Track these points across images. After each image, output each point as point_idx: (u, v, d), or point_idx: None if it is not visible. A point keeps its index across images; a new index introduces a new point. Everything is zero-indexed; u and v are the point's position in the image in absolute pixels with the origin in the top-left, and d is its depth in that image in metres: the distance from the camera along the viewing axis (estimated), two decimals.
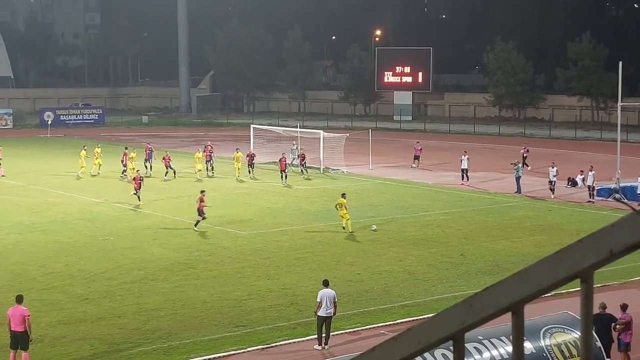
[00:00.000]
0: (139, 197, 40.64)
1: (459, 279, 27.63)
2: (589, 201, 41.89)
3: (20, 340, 19.42)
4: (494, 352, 15.31)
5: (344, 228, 34.60)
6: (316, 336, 21.15)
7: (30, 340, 19.55)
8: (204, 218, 34.75)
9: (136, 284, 26.69)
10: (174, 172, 49.65)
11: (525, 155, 54.46)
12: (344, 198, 34.90)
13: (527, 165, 52.72)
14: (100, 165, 51.02)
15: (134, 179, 41.60)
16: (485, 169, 53.73)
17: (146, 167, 51.07)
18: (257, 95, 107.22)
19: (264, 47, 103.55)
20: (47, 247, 32.07)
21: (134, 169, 48.04)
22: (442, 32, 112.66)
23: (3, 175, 50.38)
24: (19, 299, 19.88)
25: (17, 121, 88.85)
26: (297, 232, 34.77)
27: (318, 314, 21.00)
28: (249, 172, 50.41)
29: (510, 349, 15.38)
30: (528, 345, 15.60)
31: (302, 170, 51.25)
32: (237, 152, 50.81)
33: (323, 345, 20.97)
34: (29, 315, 19.57)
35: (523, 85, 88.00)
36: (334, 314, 21.15)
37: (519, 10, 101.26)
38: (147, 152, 52.52)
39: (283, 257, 30.41)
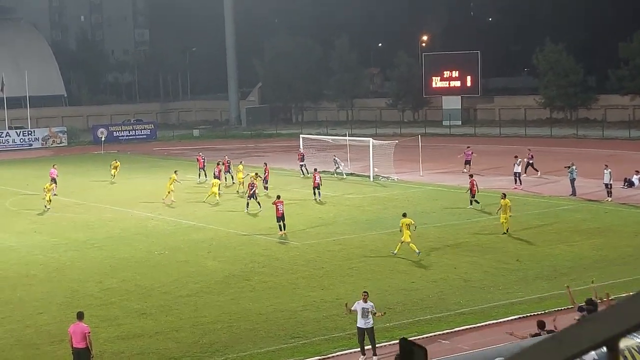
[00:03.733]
0: (259, 203, 41.88)
1: (516, 285, 27.29)
2: None
3: (82, 357, 19.60)
4: None
5: (394, 253, 31.73)
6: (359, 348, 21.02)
7: (92, 357, 19.70)
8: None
9: (192, 298, 26.84)
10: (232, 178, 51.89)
11: (530, 161, 52.87)
12: (406, 217, 32.16)
13: (537, 170, 51.81)
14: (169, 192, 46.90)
15: (249, 185, 42.83)
16: (539, 172, 53.06)
17: (223, 178, 52.71)
18: (305, 105, 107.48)
19: (312, 56, 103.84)
20: (103, 263, 32.44)
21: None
22: (490, 35, 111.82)
23: (56, 194, 51.10)
24: (80, 316, 20.07)
25: (71, 139, 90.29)
26: (350, 242, 34.68)
27: (357, 325, 20.90)
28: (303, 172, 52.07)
29: None
30: None
31: (314, 193, 46.22)
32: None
33: (366, 356, 20.75)
34: (89, 332, 19.72)
35: (574, 86, 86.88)
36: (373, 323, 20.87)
37: (567, 11, 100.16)
38: (201, 161, 55.49)
39: (336, 267, 30.35)
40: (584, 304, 19.79)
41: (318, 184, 45.44)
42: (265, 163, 52.69)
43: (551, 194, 45.39)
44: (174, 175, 47.26)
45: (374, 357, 20.83)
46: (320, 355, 21.22)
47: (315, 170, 47.49)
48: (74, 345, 19.72)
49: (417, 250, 31.28)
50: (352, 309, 20.98)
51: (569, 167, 45.72)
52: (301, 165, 56.41)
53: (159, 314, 25.37)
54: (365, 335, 20.82)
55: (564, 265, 29.73)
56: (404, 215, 32.61)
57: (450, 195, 46.16)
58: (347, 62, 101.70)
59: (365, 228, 37.59)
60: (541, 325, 18.53)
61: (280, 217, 36.14)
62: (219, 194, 46.16)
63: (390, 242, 34.25)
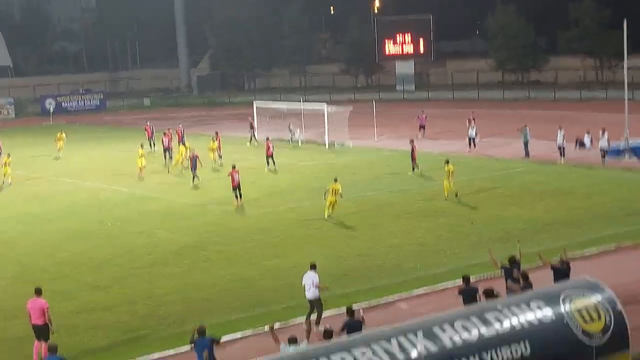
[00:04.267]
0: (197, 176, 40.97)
1: (471, 249, 27.35)
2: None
3: (42, 333, 19.27)
4: (514, 321, 15.01)
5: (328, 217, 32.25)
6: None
7: (52, 332, 19.37)
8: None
9: (146, 269, 26.49)
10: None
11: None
12: (336, 183, 32.72)
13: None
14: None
15: (190, 158, 41.63)
16: (491, 135, 53.37)
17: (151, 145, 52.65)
18: (257, 72, 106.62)
19: (262, 22, 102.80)
20: (55, 235, 31.88)
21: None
22: None
23: None
24: (38, 292, 19.66)
25: (18, 110, 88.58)
26: (305, 209, 34.47)
27: (306, 296, 20.66)
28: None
29: (530, 316, 15.07)
30: (548, 312, 15.34)
31: (268, 163, 44.87)
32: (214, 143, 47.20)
33: (311, 325, 20.50)
34: (48, 308, 19.39)
35: (525, 48, 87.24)
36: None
37: None
38: (149, 131, 54.63)
39: (292, 235, 30.16)
40: (507, 264, 20.34)
41: (272, 153, 44.87)
42: (216, 132, 51.70)
43: (504, 157, 45.60)
44: (141, 149, 44.63)
45: (318, 326, 20.47)
46: (281, 323, 20.98)
47: (268, 139, 46.67)
48: (32, 322, 19.38)
49: (327, 215, 32.08)
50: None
51: (521, 129, 45.93)
52: (251, 134, 55.94)
53: (112, 287, 25.00)
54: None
55: (516, 227, 29.85)
56: (335, 180, 32.87)
57: (405, 160, 46.07)
58: (298, 27, 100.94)
59: (319, 196, 37.30)
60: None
61: (236, 187, 35.73)
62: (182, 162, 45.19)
63: (345, 209, 34.12)
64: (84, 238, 31.19)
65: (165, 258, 27.84)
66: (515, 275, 19.76)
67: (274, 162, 44.77)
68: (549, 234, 28.83)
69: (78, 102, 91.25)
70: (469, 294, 19.10)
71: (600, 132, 42.13)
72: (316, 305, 20.66)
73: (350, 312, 17.98)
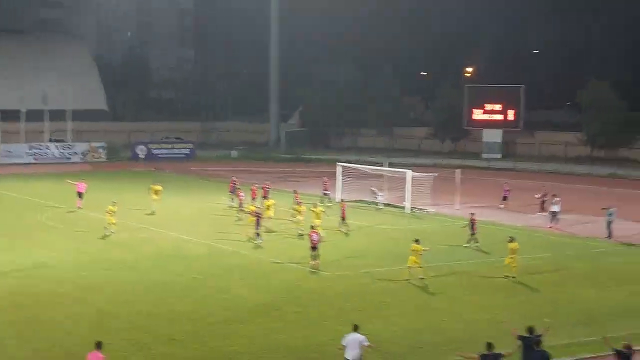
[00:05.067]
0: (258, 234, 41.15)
1: (551, 329, 26.81)
2: None
3: None
4: None
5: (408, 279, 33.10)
6: None
7: None
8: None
9: (222, 325, 26.79)
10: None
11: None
12: (418, 244, 33.82)
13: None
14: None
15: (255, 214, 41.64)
16: (576, 211, 52.56)
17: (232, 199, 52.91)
18: (345, 131, 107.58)
19: (354, 83, 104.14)
20: (135, 284, 32.52)
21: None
22: (534, 69, 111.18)
23: (80, 208, 51.91)
24: (98, 345, 19.78)
25: (110, 154, 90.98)
26: (382, 275, 34.48)
27: (345, 356, 21.16)
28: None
29: None
30: None
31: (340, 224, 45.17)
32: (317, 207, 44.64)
33: None
34: None
35: (617, 124, 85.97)
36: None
37: (614, 48, 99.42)
38: (232, 185, 54.26)
39: (367, 301, 30.18)
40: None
41: (345, 215, 44.83)
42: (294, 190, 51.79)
43: (587, 235, 44.84)
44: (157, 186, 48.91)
45: None
46: None
47: (342, 201, 46.64)
48: None
49: (421, 276, 32.87)
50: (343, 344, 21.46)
51: (606, 208, 45.11)
52: (325, 194, 55.99)
53: (188, 341, 25.37)
54: None
55: (598, 311, 29.30)
56: (416, 241, 33.80)
57: (486, 230, 45.72)
58: (388, 89, 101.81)
59: (398, 262, 37.32)
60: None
61: (314, 247, 36.05)
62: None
63: (423, 278, 34.02)
64: (164, 289, 31.78)
65: (241, 315, 28.14)
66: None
67: (346, 224, 44.88)
68: (633, 320, 28.18)
69: (168, 149, 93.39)
70: None
71: None
72: None
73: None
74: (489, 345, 20.63)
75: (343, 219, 44.98)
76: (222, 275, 34.15)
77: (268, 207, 44.93)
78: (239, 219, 46.98)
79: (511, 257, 34.09)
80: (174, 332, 26.27)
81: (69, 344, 24.90)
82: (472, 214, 42.25)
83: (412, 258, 33.27)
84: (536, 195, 52.72)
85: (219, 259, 37.73)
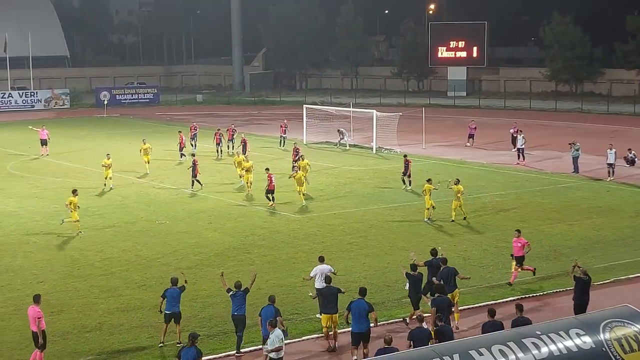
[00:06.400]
0: (199, 181, 40.63)
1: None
2: None
3: (34, 340, 19.11)
4: (552, 347, 15.09)
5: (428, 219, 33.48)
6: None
7: (41, 343, 19.06)
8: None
9: (192, 270, 26.82)
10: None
11: (515, 135, 52.47)
12: (430, 184, 33.96)
13: (514, 145, 51.12)
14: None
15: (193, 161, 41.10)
16: (541, 147, 53.07)
17: (192, 145, 52.82)
18: (310, 72, 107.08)
19: (317, 23, 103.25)
20: (104, 231, 32.50)
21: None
22: (497, 5, 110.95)
23: (47, 154, 51.72)
24: (35, 299, 19.40)
25: (74, 101, 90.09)
26: (350, 215, 34.70)
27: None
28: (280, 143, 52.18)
29: (568, 343, 15.19)
30: (587, 340, 15.39)
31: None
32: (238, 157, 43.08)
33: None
34: (40, 318, 19.07)
35: (580, 59, 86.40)
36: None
37: None
38: (193, 131, 53.98)
39: (337, 242, 30.39)
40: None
41: (274, 186, 37.07)
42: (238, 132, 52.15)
43: (553, 171, 45.33)
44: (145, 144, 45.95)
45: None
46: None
47: (267, 170, 38.18)
48: (30, 327, 19.31)
49: (426, 218, 33.27)
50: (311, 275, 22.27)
51: (572, 143, 45.57)
52: (282, 137, 55.27)
53: (158, 286, 25.37)
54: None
55: (563, 245, 29.75)
56: (428, 181, 34.10)
57: (453, 169, 46.06)
58: (352, 29, 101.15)
59: (365, 202, 37.59)
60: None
61: (272, 190, 36.31)
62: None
63: (390, 216, 34.32)
64: (133, 235, 31.76)
65: (211, 259, 28.24)
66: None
67: (273, 198, 37.81)
68: (597, 252, 28.70)
69: (132, 95, 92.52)
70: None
71: None
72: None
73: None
74: (434, 252, 22.20)
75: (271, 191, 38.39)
76: (189, 220, 34.14)
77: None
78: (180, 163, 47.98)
79: (457, 200, 33.54)
80: (145, 278, 26.32)
81: (41, 291, 24.62)
82: (405, 155, 42.13)
83: (426, 198, 33.48)
84: (510, 130, 52.96)
85: (186, 203, 37.67)
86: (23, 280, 26.08)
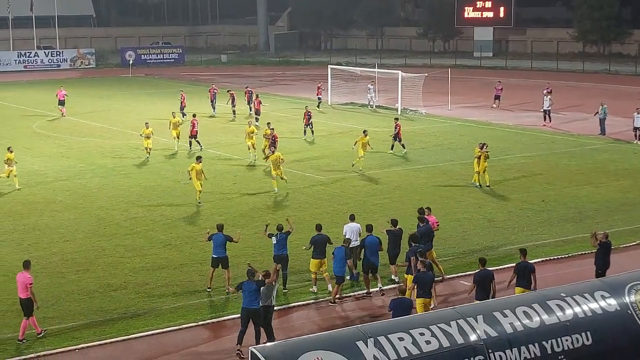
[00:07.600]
0: (198, 142, 40.48)
1: (540, 227, 27.22)
2: None
3: (26, 307, 18.81)
4: (577, 309, 15.06)
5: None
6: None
7: (37, 308, 18.92)
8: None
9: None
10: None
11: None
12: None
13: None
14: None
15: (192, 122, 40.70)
16: (568, 109, 52.58)
17: (213, 107, 52.56)
18: (335, 32, 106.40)
19: None
20: (130, 190, 32.69)
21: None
22: None
23: (64, 115, 51.98)
24: (25, 265, 19.17)
25: (99, 60, 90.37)
26: (375, 177, 34.64)
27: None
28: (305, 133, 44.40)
29: (593, 305, 15.14)
30: (612, 302, 15.34)
31: (305, 131, 43.86)
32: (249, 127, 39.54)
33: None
34: (31, 284, 18.84)
35: (608, 19, 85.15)
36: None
37: None
38: (212, 93, 53.35)
39: (360, 203, 30.36)
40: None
41: (309, 122, 43.37)
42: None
43: (580, 133, 44.93)
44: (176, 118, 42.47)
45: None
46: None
47: (306, 107, 44.82)
48: (18, 294, 18.98)
49: (478, 184, 32.79)
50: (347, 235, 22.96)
51: (600, 105, 45.03)
52: (319, 99, 54.89)
53: (183, 246, 25.62)
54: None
55: (589, 207, 29.58)
56: (482, 145, 32.89)
57: (478, 130, 45.78)
58: None
59: (390, 164, 37.49)
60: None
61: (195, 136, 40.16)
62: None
63: (415, 178, 34.25)
64: (158, 195, 31.93)
65: (235, 219, 28.34)
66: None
67: (312, 132, 43.66)
68: (623, 214, 28.52)
69: (157, 55, 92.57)
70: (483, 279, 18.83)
71: None
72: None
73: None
74: (394, 222, 22.85)
75: (307, 125, 43.49)
76: (214, 181, 34.20)
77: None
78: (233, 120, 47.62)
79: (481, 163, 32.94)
80: (170, 237, 26.49)
81: (68, 250, 25.15)
82: (396, 119, 41.73)
83: (475, 162, 32.92)
84: (544, 91, 52.27)
85: (211, 164, 37.69)
86: (49, 239, 26.33)
